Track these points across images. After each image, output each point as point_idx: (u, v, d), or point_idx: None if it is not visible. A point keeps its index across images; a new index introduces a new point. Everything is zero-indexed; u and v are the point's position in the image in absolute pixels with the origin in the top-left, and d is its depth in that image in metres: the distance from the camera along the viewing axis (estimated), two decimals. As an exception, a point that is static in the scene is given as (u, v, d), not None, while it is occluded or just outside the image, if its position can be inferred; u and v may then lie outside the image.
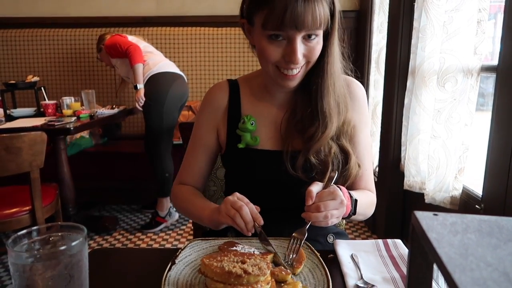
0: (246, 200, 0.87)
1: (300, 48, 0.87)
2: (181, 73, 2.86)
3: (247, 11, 0.92)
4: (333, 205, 0.82)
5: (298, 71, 0.91)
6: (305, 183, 0.91)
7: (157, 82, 2.72)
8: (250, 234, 0.84)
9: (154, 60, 2.80)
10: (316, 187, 0.86)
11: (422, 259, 0.45)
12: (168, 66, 2.83)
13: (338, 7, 0.91)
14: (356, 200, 0.91)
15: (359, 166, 0.99)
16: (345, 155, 0.97)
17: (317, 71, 0.94)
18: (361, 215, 0.98)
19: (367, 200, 1.01)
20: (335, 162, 0.95)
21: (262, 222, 0.84)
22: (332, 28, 0.91)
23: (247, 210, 0.84)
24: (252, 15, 0.90)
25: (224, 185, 1.17)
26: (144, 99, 2.72)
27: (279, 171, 0.96)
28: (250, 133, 0.99)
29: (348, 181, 0.98)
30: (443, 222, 0.43)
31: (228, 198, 0.87)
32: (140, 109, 2.76)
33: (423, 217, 0.44)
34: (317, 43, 0.89)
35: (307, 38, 0.87)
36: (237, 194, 0.89)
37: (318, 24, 0.85)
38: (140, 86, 2.72)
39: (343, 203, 0.83)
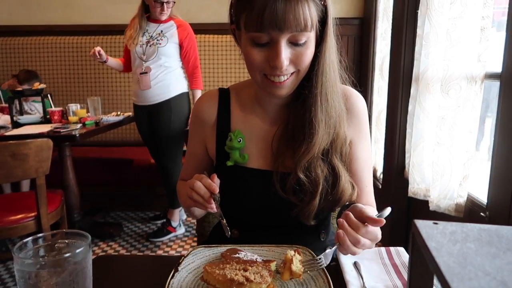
0: (202, 176, 0.87)
1: (285, 52, 0.80)
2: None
3: (234, 14, 0.87)
4: (368, 245, 0.76)
5: (286, 78, 0.84)
6: (294, 205, 0.90)
7: (185, 101, 2.73)
8: (213, 208, 0.85)
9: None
10: (370, 210, 0.79)
11: (423, 268, 0.46)
12: (185, 84, 2.80)
13: (331, 14, 0.84)
14: None
15: (353, 185, 0.93)
16: (335, 175, 0.90)
17: (309, 80, 0.87)
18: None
19: None
20: (326, 182, 0.90)
21: (216, 191, 0.84)
22: (324, 35, 0.84)
23: (199, 184, 0.84)
24: (238, 19, 0.85)
25: None
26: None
27: (268, 192, 0.92)
28: (238, 150, 0.95)
29: (340, 201, 0.92)
30: (443, 231, 0.43)
31: (187, 181, 0.89)
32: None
33: (423, 226, 0.45)
34: (306, 48, 0.82)
35: (294, 42, 0.80)
36: (196, 174, 0.89)
37: (302, 24, 0.77)
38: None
39: (377, 240, 0.78)
